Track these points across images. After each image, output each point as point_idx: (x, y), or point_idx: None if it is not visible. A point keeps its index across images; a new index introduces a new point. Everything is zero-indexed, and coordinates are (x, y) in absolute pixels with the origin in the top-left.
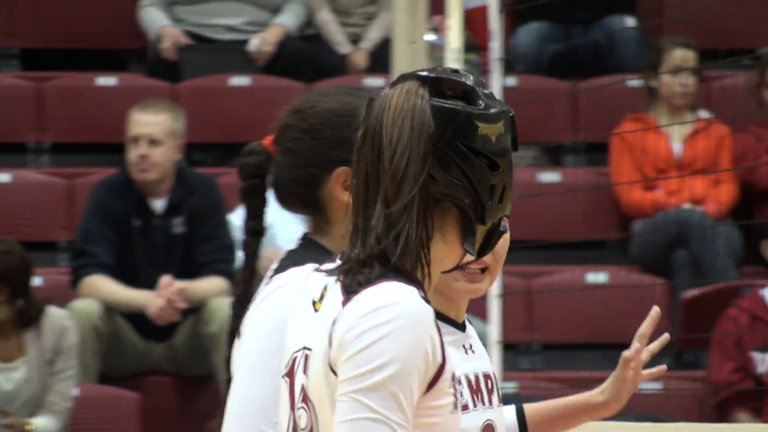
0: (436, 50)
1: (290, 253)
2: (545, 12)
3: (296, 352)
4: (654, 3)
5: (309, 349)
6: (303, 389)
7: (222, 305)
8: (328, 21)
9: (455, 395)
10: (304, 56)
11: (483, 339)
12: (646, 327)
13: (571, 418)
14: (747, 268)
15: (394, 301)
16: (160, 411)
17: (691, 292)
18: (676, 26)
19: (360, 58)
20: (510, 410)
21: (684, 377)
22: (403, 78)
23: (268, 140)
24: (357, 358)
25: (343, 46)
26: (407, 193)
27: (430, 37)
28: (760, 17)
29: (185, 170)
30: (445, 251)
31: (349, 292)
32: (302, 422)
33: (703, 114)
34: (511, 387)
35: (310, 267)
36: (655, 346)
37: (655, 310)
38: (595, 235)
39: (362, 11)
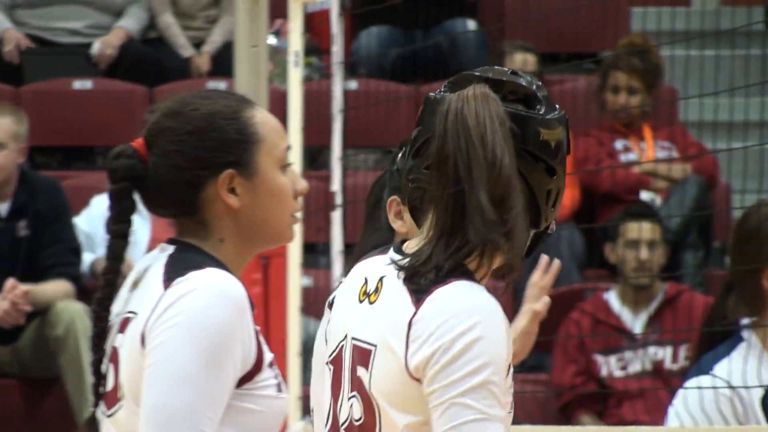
0: (278, 53)
1: (173, 257)
2: (387, 16)
3: (342, 341)
4: (495, 7)
5: (366, 343)
6: (360, 382)
7: (68, 308)
8: (170, 24)
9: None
10: (147, 60)
11: None
12: (549, 279)
13: None
14: (589, 272)
15: (476, 301)
16: (5, 414)
17: None
18: (517, 30)
19: (202, 61)
20: None
21: (527, 380)
22: (466, 80)
23: (138, 143)
24: (454, 364)
25: (185, 50)
26: (516, 193)
27: (272, 40)
28: (601, 22)
29: (29, 173)
30: (500, 253)
31: (418, 292)
32: (355, 413)
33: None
34: None
35: (218, 272)
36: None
37: (556, 263)
38: None
39: (204, 15)
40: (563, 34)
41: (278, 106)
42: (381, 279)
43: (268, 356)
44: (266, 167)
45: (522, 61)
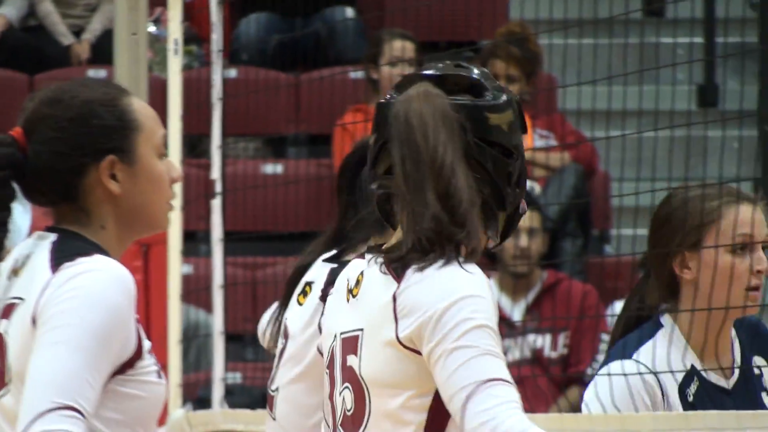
0: (157, 42)
1: (58, 244)
2: (266, 3)
3: (332, 342)
4: None
5: (353, 331)
6: (351, 370)
7: None
8: (50, 12)
9: None
10: (26, 47)
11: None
12: None
13: None
14: None
15: (458, 269)
16: None
17: None
18: (397, 18)
19: (82, 49)
20: None
21: None
22: (410, 80)
23: (17, 131)
24: (447, 315)
25: (65, 38)
26: (461, 186)
27: (152, 28)
28: (480, 10)
29: None
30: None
31: (399, 269)
32: (347, 403)
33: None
34: (234, 377)
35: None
36: None
37: None
38: (318, 226)
39: (84, 3)
40: (442, 23)
41: (158, 94)
42: (361, 273)
43: (147, 343)
44: (145, 154)
45: (401, 49)
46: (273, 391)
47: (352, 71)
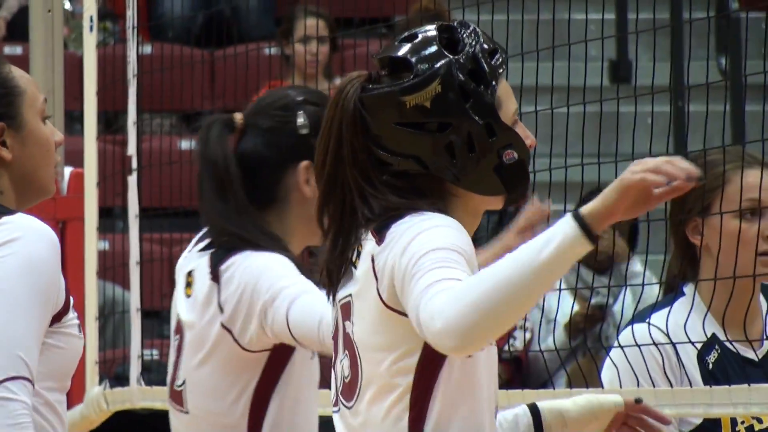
0: (73, 18)
1: None
2: None
3: (335, 311)
4: None
5: (345, 298)
6: (348, 337)
7: None
8: None
9: None
10: None
11: None
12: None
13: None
14: None
15: (428, 213)
16: None
17: None
18: None
19: None
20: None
21: None
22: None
23: None
24: (412, 245)
25: None
26: (332, 179)
27: (67, 5)
28: None
29: None
30: (469, 207)
31: (380, 229)
32: (345, 371)
33: (338, 81)
34: (152, 354)
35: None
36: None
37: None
38: None
39: None
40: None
41: (74, 71)
42: (360, 243)
43: (71, 298)
44: (31, 119)
45: (312, 26)
46: (179, 386)
47: (266, 48)
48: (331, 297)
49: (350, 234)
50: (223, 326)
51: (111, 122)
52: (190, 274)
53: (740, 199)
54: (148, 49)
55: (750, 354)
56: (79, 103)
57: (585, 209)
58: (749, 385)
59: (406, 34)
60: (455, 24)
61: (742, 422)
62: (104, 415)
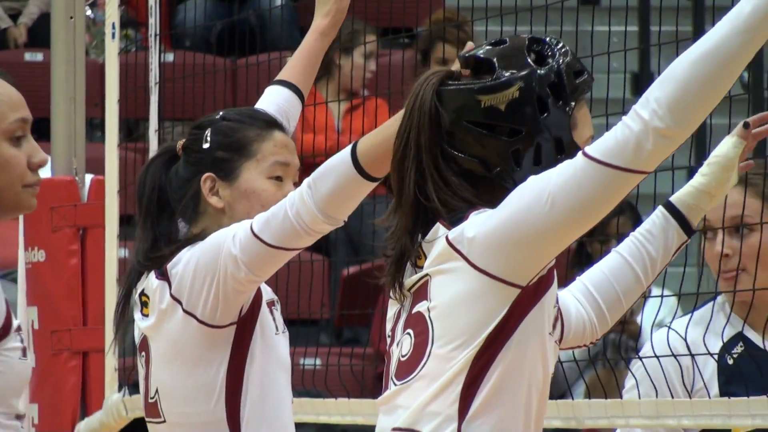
0: (94, 25)
1: None
2: None
3: (397, 308)
4: None
5: (425, 277)
6: (416, 316)
7: None
8: None
9: None
10: None
11: None
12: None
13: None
14: None
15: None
16: None
17: (349, 269)
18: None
19: (19, 32)
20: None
21: (344, 354)
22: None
23: None
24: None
25: (2, 21)
26: (407, 173)
27: (89, 12)
28: None
29: None
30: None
31: (452, 222)
32: (404, 350)
33: (362, 91)
34: None
35: None
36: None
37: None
38: None
39: None
40: (379, 10)
41: (95, 78)
42: (420, 244)
43: (15, 322)
44: None
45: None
46: (152, 398)
47: (288, 57)
48: (396, 285)
49: (416, 221)
50: (185, 312)
51: (132, 130)
52: (142, 293)
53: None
54: (170, 57)
55: None
56: (101, 111)
57: None
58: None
59: (496, 39)
60: (546, 38)
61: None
62: (123, 421)
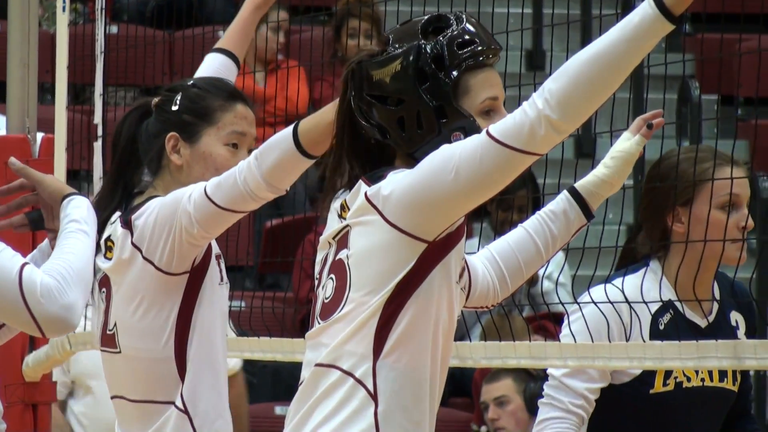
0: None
1: None
2: None
3: (324, 253)
4: None
5: (345, 228)
6: (337, 263)
7: None
8: None
9: None
10: None
11: None
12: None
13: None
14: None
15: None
16: None
17: (272, 222)
18: None
19: None
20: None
21: (266, 297)
22: None
23: None
24: (420, 166)
25: None
26: (337, 139)
27: None
28: None
29: None
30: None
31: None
32: (328, 293)
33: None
34: None
35: None
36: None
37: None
38: None
39: None
40: None
41: (47, 47)
42: (345, 200)
43: None
44: None
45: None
46: (110, 330)
47: (220, 30)
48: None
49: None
50: (144, 258)
51: (79, 94)
52: (108, 239)
53: (722, 193)
54: (114, 29)
55: (698, 321)
56: (51, 76)
57: None
58: (697, 341)
59: (409, 19)
60: (451, 15)
61: (675, 377)
62: (67, 354)
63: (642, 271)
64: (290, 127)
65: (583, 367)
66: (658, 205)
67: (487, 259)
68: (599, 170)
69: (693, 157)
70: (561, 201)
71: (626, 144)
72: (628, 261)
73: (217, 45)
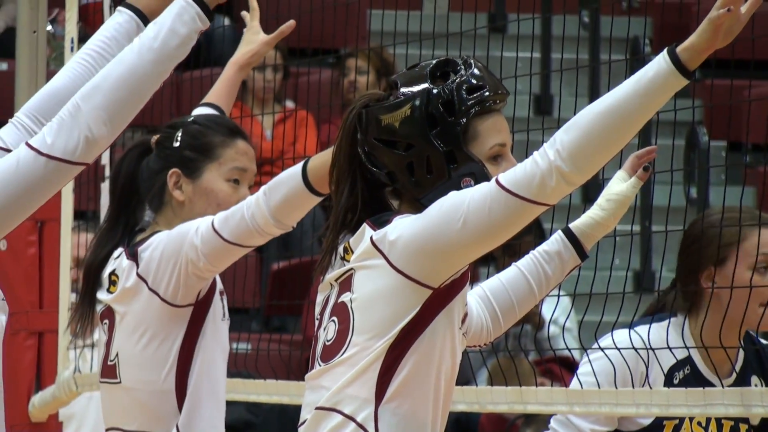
0: (54, 39)
1: None
2: None
3: (325, 295)
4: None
5: (350, 271)
6: (340, 305)
7: None
8: None
9: None
10: None
11: None
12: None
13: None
14: None
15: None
16: None
17: (279, 264)
18: (270, 27)
19: None
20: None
21: (273, 340)
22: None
23: None
24: (427, 212)
25: None
26: (341, 184)
27: (50, 27)
28: (342, 21)
29: None
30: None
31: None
32: (330, 335)
33: (289, 104)
34: None
35: None
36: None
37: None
38: None
39: None
40: (310, 32)
41: None
42: (348, 242)
43: None
44: None
45: (268, 55)
46: (112, 360)
47: None
48: (321, 276)
49: (345, 222)
50: (150, 290)
51: None
52: (112, 273)
53: (755, 254)
54: None
55: (714, 381)
56: None
57: (680, 46)
58: (704, 388)
59: (417, 63)
60: (459, 59)
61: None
62: (73, 395)
63: (666, 322)
64: (299, 165)
65: (590, 414)
66: (692, 263)
67: (480, 298)
68: (594, 212)
69: (730, 217)
70: (555, 242)
71: (622, 186)
72: (656, 310)
73: (205, 100)
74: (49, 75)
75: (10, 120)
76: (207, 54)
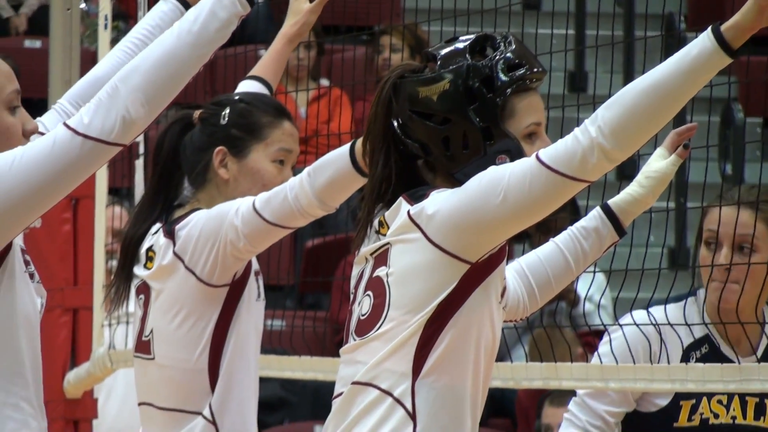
0: (88, 17)
1: None
2: None
3: (360, 269)
4: None
5: (386, 245)
6: (375, 280)
7: None
8: None
9: None
10: None
11: None
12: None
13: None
14: None
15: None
16: None
17: (313, 241)
18: None
19: (20, 21)
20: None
21: (308, 317)
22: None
23: None
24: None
25: (4, 11)
26: (375, 154)
27: (83, 5)
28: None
29: None
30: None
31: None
32: (364, 309)
33: (324, 82)
34: None
35: None
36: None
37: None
38: None
39: None
40: (344, 9)
41: (88, 65)
42: (383, 215)
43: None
44: None
45: None
46: (147, 336)
47: (262, 50)
48: (356, 252)
49: (380, 195)
50: (186, 269)
51: None
52: (150, 249)
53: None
54: None
55: (733, 358)
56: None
57: (725, 25)
58: (740, 363)
59: (454, 36)
60: (498, 36)
61: (701, 413)
62: (108, 372)
63: (683, 302)
64: (346, 146)
65: (625, 390)
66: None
67: (517, 273)
68: (633, 189)
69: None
70: (594, 218)
71: (662, 164)
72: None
73: (252, 72)
74: (83, 53)
75: (52, 106)
76: (241, 31)
